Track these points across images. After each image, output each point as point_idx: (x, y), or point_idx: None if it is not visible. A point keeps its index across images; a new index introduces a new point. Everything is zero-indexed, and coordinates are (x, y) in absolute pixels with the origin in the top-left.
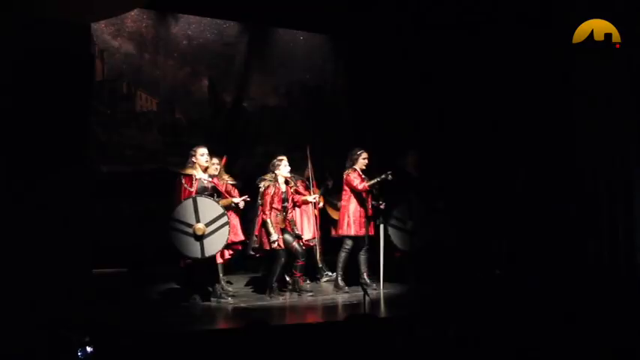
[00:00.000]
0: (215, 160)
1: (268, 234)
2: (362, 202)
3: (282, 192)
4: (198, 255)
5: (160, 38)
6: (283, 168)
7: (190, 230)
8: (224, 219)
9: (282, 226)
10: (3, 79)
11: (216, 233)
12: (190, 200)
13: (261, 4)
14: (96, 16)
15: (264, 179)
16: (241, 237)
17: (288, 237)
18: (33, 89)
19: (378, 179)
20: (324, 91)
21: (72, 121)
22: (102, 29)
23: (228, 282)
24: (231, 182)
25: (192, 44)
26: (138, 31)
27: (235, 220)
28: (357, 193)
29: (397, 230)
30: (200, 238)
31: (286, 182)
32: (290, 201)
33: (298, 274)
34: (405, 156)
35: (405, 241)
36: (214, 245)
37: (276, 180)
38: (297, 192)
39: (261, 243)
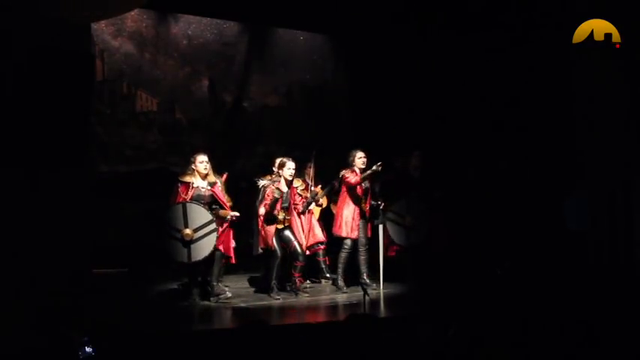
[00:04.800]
0: None
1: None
2: (357, 204)
3: (282, 193)
4: (185, 259)
5: (160, 38)
6: (287, 170)
7: (178, 235)
8: (212, 226)
9: (281, 226)
10: (4, 79)
11: (204, 239)
12: (180, 206)
13: (261, 4)
14: (96, 16)
15: (263, 179)
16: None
17: (288, 236)
18: (34, 89)
19: (369, 172)
20: (324, 91)
21: (73, 121)
22: (102, 29)
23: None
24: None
25: (192, 44)
26: (138, 31)
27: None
28: (352, 195)
29: (395, 225)
30: (188, 243)
31: (289, 185)
32: (291, 203)
33: (297, 275)
34: (408, 156)
35: (402, 237)
36: (202, 251)
37: (278, 181)
38: (300, 195)
39: (265, 242)
